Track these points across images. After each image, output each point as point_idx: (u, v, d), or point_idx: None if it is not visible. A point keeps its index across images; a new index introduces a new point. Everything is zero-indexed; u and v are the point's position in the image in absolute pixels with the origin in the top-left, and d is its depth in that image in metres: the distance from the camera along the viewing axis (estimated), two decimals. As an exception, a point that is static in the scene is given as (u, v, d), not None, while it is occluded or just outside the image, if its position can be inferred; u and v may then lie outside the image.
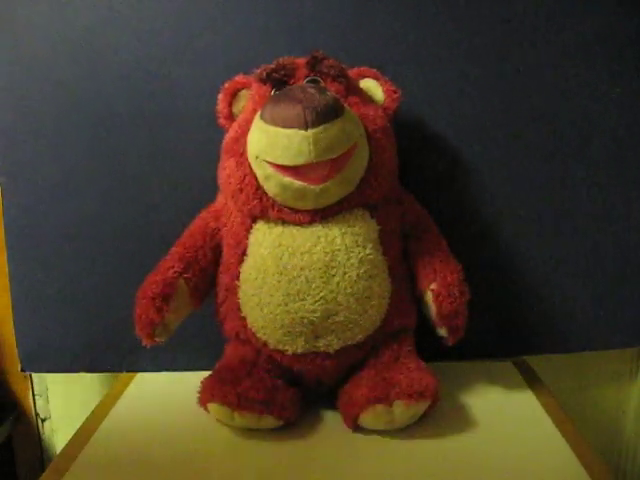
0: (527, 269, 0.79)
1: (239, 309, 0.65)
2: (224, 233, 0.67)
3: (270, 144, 0.59)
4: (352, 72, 0.68)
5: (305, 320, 0.61)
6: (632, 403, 0.89)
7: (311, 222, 0.62)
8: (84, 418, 0.69)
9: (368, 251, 0.62)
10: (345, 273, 0.61)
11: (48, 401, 0.90)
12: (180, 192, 0.77)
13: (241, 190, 0.63)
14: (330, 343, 0.63)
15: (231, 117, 0.67)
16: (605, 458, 0.60)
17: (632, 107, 0.76)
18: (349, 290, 0.61)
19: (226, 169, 0.64)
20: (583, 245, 0.78)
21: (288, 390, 0.63)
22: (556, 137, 0.76)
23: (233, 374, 0.63)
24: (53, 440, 0.91)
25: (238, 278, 0.65)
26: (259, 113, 0.61)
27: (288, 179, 0.59)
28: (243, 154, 0.62)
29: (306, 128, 0.57)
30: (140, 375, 0.79)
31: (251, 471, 0.58)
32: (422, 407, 0.60)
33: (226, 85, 0.68)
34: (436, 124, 0.76)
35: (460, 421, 0.64)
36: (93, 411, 0.70)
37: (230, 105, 0.67)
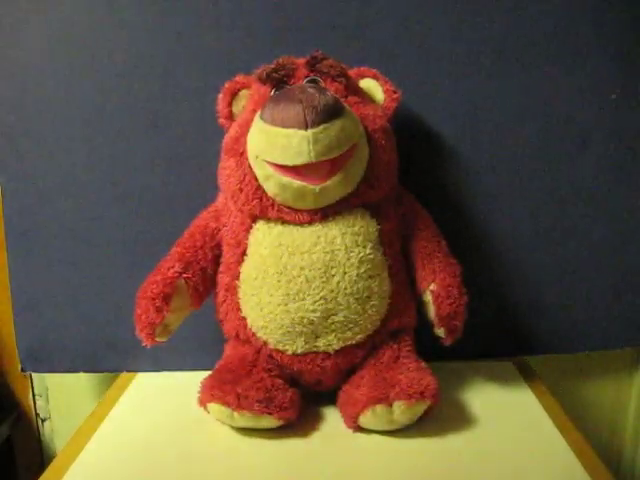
0: (527, 269, 0.79)
1: (239, 309, 0.65)
2: (224, 233, 0.67)
3: (270, 144, 0.59)
4: (352, 72, 0.68)
5: (305, 320, 0.61)
6: (632, 403, 0.89)
7: (311, 222, 0.62)
8: (84, 418, 0.69)
9: (368, 251, 0.62)
10: (345, 273, 0.61)
11: (48, 401, 0.90)
12: (180, 192, 0.77)
13: (241, 190, 0.63)
14: (330, 343, 0.63)
15: (231, 117, 0.67)
16: (605, 458, 0.60)
17: (631, 108, 0.76)
18: (349, 290, 0.61)
19: (226, 169, 0.64)
20: (583, 245, 0.78)
21: (288, 390, 0.63)
22: (556, 137, 0.76)
23: (233, 374, 0.63)
24: (53, 440, 0.91)
25: (238, 278, 0.65)
26: (259, 113, 0.61)
27: (288, 179, 0.59)
28: (243, 154, 0.62)
29: (306, 128, 0.57)
30: (140, 375, 0.79)
31: (251, 471, 0.58)
32: (422, 407, 0.60)
33: (226, 85, 0.68)
34: (436, 124, 0.76)
35: (460, 421, 0.64)
36: (93, 411, 0.70)
37: (230, 105, 0.67)
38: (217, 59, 0.74)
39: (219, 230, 0.68)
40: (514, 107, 0.76)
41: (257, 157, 0.61)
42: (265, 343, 0.64)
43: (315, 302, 0.61)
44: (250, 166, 0.62)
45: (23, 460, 0.92)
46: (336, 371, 0.65)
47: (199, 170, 0.75)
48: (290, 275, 0.61)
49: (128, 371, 0.80)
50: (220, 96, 0.68)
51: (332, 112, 0.58)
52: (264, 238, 0.63)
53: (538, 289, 0.79)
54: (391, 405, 0.59)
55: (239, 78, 0.68)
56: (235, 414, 0.60)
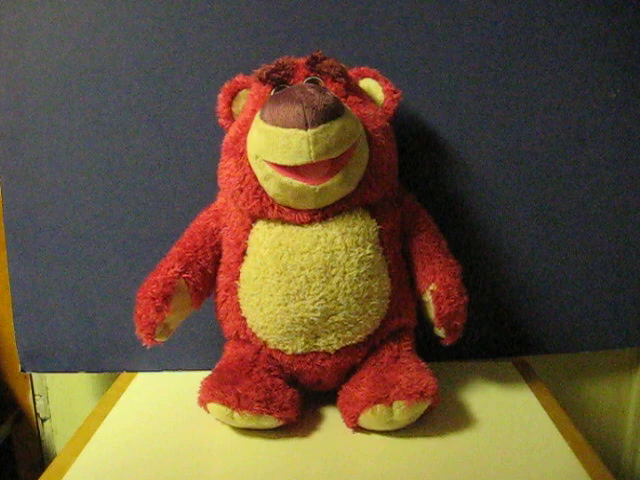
0: (527, 269, 0.79)
1: (239, 309, 0.65)
2: (224, 233, 0.67)
3: (270, 144, 0.59)
4: (352, 72, 0.68)
5: (305, 320, 0.61)
6: (632, 403, 0.89)
7: (311, 222, 0.62)
8: (84, 418, 0.69)
9: (368, 251, 0.62)
10: (345, 273, 0.61)
11: (48, 401, 0.90)
12: (180, 192, 0.77)
13: (241, 190, 0.63)
14: (330, 343, 0.63)
15: (231, 117, 0.67)
16: (605, 458, 0.60)
17: (631, 107, 0.76)
18: (349, 290, 0.61)
19: (226, 169, 0.64)
20: (583, 245, 0.78)
21: (288, 390, 0.63)
22: (556, 137, 0.76)
23: (233, 374, 0.63)
24: (53, 440, 0.91)
25: (238, 278, 0.65)
26: (259, 113, 0.61)
27: (288, 179, 0.59)
28: (243, 154, 0.62)
29: (306, 128, 0.57)
30: (140, 375, 0.79)
31: (251, 471, 0.58)
32: (422, 407, 0.60)
33: (226, 85, 0.68)
34: (436, 124, 0.76)
35: (460, 421, 0.64)
36: (93, 411, 0.70)
37: (230, 105, 0.67)
38: (217, 59, 0.74)
39: (219, 230, 0.68)
40: (513, 107, 0.76)
41: (257, 157, 0.61)
42: (265, 343, 0.64)
43: (315, 302, 0.61)
44: (250, 166, 0.62)
45: (23, 460, 0.92)
46: (336, 371, 0.65)
47: (199, 170, 0.75)
48: (290, 275, 0.61)
49: (128, 371, 0.80)
50: (220, 96, 0.68)
51: (332, 112, 0.58)
52: (264, 238, 0.63)
53: (538, 289, 0.79)
54: (391, 405, 0.59)
55: (239, 78, 0.68)
56: (235, 414, 0.60)
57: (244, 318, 0.65)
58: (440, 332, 0.66)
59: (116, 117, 0.76)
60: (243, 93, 0.68)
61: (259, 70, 0.65)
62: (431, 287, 0.65)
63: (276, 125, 0.58)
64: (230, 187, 0.64)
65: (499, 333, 0.80)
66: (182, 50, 0.74)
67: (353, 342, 0.63)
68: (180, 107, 0.75)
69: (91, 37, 0.75)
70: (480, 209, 0.77)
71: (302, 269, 0.61)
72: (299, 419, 0.64)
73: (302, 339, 0.63)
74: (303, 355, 0.63)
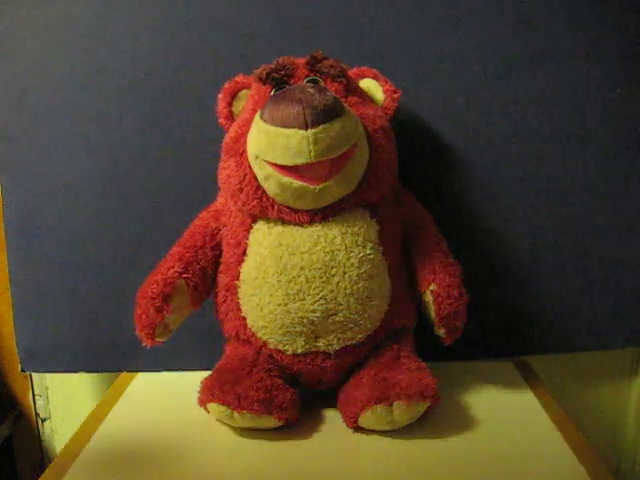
0: (527, 269, 0.79)
1: (239, 309, 0.65)
2: (224, 233, 0.67)
3: (270, 144, 0.59)
4: (352, 72, 0.68)
5: (305, 320, 0.61)
6: (632, 403, 0.89)
7: (311, 222, 0.62)
8: (84, 418, 0.69)
9: (368, 251, 0.62)
10: (345, 273, 0.61)
11: (48, 401, 0.90)
12: (180, 192, 0.77)
13: (241, 190, 0.63)
14: (330, 343, 0.63)
15: (231, 117, 0.67)
16: (605, 458, 0.60)
17: (632, 107, 0.76)
18: (349, 290, 0.61)
19: (226, 169, 0.64)
20: (583, 245, 0.78)
21: (288, 390, 0.63)
22: (556, 137, 0.76)
23: (233, 374, 0.63)
24: (53, 440, 0.91)
25: (238, 278, 0.65)
26: (259, 113, 0.61)
27: (288, 179, 0.59)
28: (243, 154, 0.62)
29: (306, 128, 0.57)
30: (140, 375, 0.79)
31: (251, 471, 0.58)
32: (422, 407, 0.60)
33: (226, 85, 0.68)
34: (436, 124, 0.76)
35: (460, 421, 0.64)
36: (93, 411, 0.70)
37: (230, 105, 0.67)
38: (217, 59, 0.74)
39: (219, 230, 0.68)
40: (515, 106, 0.76)
41: (257, 157, 0.61)
42: (265, 343, 0.64)
43: (315, 302, 0.61)
44: (250, 166, 0.62)
45: (23, 460, 0.92)
46: (336, 371, 0.65)
47: (199, 170, 0.75)
48: (290, 275, 0.61)
49: (128, 371, 0.80)
50: (220, 96, 0.68)
51: (332, 112, 0.58)
52: (264, 238, 0.63)
53: (538, 289, 0.79)
54: (391, 405, 0.59)
55: (239, 78, 0.68)
56: (235, 414, 0.60)
57: (244, 318, 0.65)
58: (440, 332, 0.66)
59: (116, 117, 0.76)
60: (243, 93, 0.68)
61: (259, 70, 0.65)
62: (431, 287, 0.65)
63: (276, 125, 0.58)
64: (230, 187, 0.64)
65: (499, 333, 0.80)
66: (182, 50, 0.74)
67: (353, 342, 0.63)
68: (180, 107, 0.75)
69: (91, 37, 0.75)
70: (480, 209, 0.77)
71: (302, 269, 0.61)
72: (299, 419, 0.64)
73: (302, 339, 0.63)
74: (303, 355, 0.63)
